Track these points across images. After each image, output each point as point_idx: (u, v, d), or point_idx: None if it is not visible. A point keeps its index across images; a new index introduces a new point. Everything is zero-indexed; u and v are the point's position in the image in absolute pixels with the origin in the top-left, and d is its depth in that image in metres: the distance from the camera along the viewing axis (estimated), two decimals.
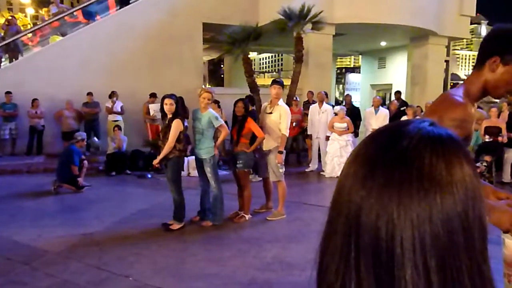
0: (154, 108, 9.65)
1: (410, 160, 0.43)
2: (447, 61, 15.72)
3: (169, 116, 4.85)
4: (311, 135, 8.75)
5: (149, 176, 8.29)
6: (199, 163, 5.17)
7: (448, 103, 1.53)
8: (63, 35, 11.74)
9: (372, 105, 8.90)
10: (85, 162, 7.40)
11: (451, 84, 19.54)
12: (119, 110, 10.14)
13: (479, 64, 1.55)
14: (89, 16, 12.10)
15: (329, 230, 0.50)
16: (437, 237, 0.41)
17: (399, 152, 0.44)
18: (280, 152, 5.24)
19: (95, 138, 9.77)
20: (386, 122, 8.12)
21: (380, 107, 8.74)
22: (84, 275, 3.57)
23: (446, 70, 15.86)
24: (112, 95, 10.08)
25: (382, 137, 0.48)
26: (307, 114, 9.18)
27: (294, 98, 9.70)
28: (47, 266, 3.77)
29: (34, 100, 9.80)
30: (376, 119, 8.37)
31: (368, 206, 0.44)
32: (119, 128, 9.07)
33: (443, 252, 0.41)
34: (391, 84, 16.37)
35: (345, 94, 13.91)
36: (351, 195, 0.46)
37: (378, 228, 0.42)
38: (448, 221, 0.42)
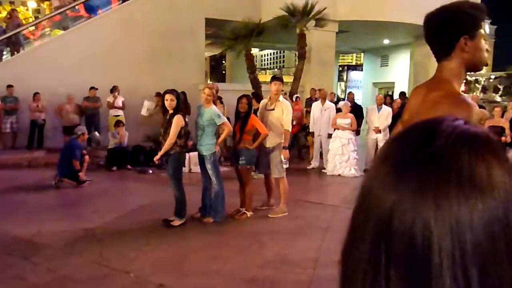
0: (147, 106, 9.42)
1: (447, 161, 0.40)
2: None
3: (170, 111, 4.82)
4: (313, 132, 8.71)
5: (150, 171, 8.27)
6: (201, 159, 5.14)
7: (454, 104, 1.49)
8: (64, 29, 11.70)
9: (376, 103, 8.84)
10: (86, 156, 7.37)
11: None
12: (121, 105, 10.11)
13: (445, 54, 1.55)
14: (91, 10, 12.04)
15: (354, 237, 0.45)
16: (478, 245, 0.38)
17: (434, 153, 0.40)
18: (285, 148, 5.21)
19: (96, 133, 9.74)
20: (389, 120, 8.07)
21: (383, 105, 8.70)
22: (85, 271, 3.55)
23: None
24: (114, 89, 10.04)
25: (412, 137, 0.44)
26: (308, 112, 9.15)
27: (295, 98, 9.65)
28: (47, 261, 3.75)
29: (35, 93, 9.77)
30: (378, 117, 8.32)
31: (401, 211, 0.40)
32: (123, 123, 9.04)
33: (484, 261, 0.38)
34: (393, 83, 16.33)
35: (348, 92, 13.86)
36: (381, 200, 0.42)
37: (413, 235, 0.39)
38: (489, 227, 0.38)
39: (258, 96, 7.49)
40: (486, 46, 1.56)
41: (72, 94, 9.81)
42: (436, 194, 0.39)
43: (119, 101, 10.10)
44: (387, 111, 8.37)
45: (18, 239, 4.29)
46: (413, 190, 0.40)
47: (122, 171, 8.37)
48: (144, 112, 9.26)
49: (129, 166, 8.61)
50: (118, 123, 8.98)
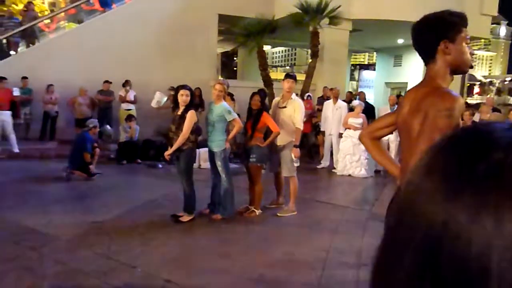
0: (157, 98, 9.41)
1: (508, 176, 0.34)
2: None
3: (182, 107, 4.80)
4: (324, 131, 8.64)
5: (160, 166, 8.29)
6: (211, 156, 5.12)
7: (437, 96, 1.64)
8: (79, 22, 11.78)
9: (389, 103, 8.74)
10: (97, 149, 7.41)
11: (468, 84, 19.18)
12: (132, 99, 10.14)
13: (430, 57, 1.72)
14: (105, 4, 12.09)
15: (391, 259, 0.40)
16: None
17: (493, 166, 0.35)
18: (296, 146, 5.17)
19: (108, 126, 9.79)
20: None
21: (396, 106, 8.58)
22: (92, 264, 3.55)
23: None
24: (126, 83, 10.08)
25: (463, 147, 0.39)
26: (320, 110, 9.07)
27: (306, 96, 9.57)
28: (55, 252, 3.77)
29: (49, 85, 9.85)
30: None
31: (454, 232, 0.35)
32: (134, 118, 9.07)
33: None
34: (406, 83, 16.13)
35: (359, 91, 13.73)
36: (429, 218, 0.37)
37: (467, 259, 0.34)
38: None
39: (264, 93, 7.42)
40: (467, 49, 1.71)
41: (85, 87, 9.88)
42: (497, 212, 0.34)
43: (131, 95, 10.14)
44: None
45: (28, 229, 4.32)
46: (469, 208, 0.35)
47: (132, 165, 8.41)
48: (154, 103, 9.30)
49: (139, 160, 8.64)
50: (129, 117, 9.01)
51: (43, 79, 9.79)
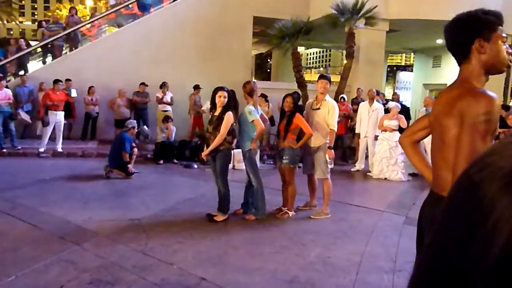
0: (207, 105, 9.77)
1: None
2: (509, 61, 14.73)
3: (220, 108, 4.87)
4: (359, 133, 8.50)
5: (195, 166, 8.44)
6: (243, 156, 5.18)
7: (471, 97, 1.58)
8: (119, 26, 12.20)
9: (424, 105, 8.51)
10: (135, 149, 7.64)
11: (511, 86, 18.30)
12: (169, 100, 10.39)
13: (464, 57, 1.67)
14: (144, 8, 12.47)
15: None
16: None
17: None
18: (331, 148, 5.13)
19: (145, 127, 10.08)
20: None
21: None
22: (131, 259, 3.68)
23: (508, 70, 14.88)
24: (163, 85, 10.35)
25: None
26: (355, 111, 8.94)
27: (340, 98, 9.46)
28: (96, 247, 3.92)
29: (90, 87, 10.27)
30: None
31: None
32: (171, 119, 9.30)
33: None
34: (445, 84, 15.58)
35: (393, 93, 13.43)
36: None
37: None
38: None
39: (298, 95, 7.37)
40: (504, 48, 1.64)
41: (124, 89, 10.22)
42: None
43: (168, 97, 10.39)
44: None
45: (70, 225, 4.53)
46: None
47: (168, 165, 8.61)
48: (204, 107, 9.71)
49: (175, 160, 8.84)
50: (166, 119, 9.23)
51: (85, 81, 10.24)
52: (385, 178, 7.76)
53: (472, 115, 1.53)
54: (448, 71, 15.68)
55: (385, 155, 7.79)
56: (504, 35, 1.63)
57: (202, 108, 10.22)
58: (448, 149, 1.65)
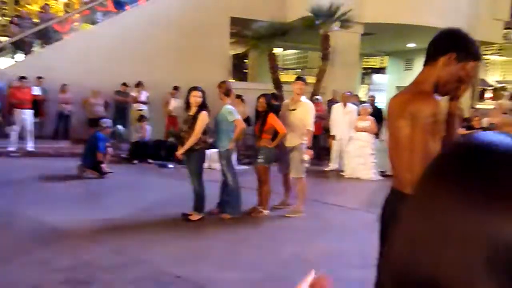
0: (174, 104, 9.95)
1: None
2: None
3: (195, 108, 4.90)
4: (334, 135, 8.64)
5: (170, 166, 8.41)
6: (219, 156, 5.23)
7: (419, 100, 1.68)
8: (93, 23, 12.00)
9: None
10: (110, 149, 7.56)
11: (480, 89, 19.05)
12: (144, 99, 10.31)
13: (432, 60, 1.73)
14: (119, 5, 12.31)
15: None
16: None
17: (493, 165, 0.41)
18: (309, 148, 5.24)
19: (120, 126, 9.98)
20: None
21: None
22: (106, 259, 3.67)
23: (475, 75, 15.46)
24: (139, 84, 10.26)
25: (466, 150, 0.43)
26: (330, 113, 9.11)
27: (315, 99, 9.62)
28: (70, 247, 3.89)
29: (63, 85, 10.06)
30: None
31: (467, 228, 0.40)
32: (146, 118, 9.23)
33: None
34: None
35: (369, 95, 13.73)
36: (444, 220, 0.41)
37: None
38: None
39: (275, 96, 7.46)
40: (466, 80, 1.69)
41: (99, 87, 10.07)
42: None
43: (143, 96, 10.31)
44: None
45: (43, 225, 4.45)
46: (480, 205, 0.39)
47: (143, 165, 8.55)
48: (171, 107, 9.92)
49: (150, 160, 8.78)
50: (141, 118, 9.17)
51: (58, 79, 10.01)
52: (357, 178, 7.96)
53: (421, 117, 1.65)
54: None
55: (356, 154, 8.01)
56: (471, 67, 1.69)
57: (169, 108, 10.23)
58: (402, 149, 1.76)
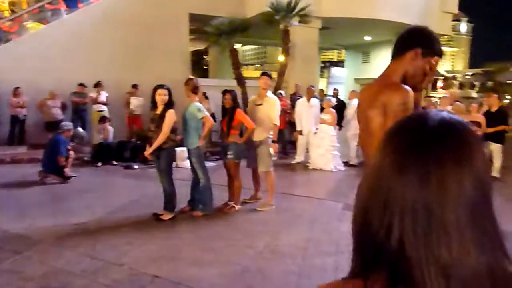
0: (135, 103, 9.82)
1: (441, 141, 0.56)
2: None
3: (161, 106, 4.86)
4: (301, 130, 8.78)
5: (136, 167, 8.27)
6: (189, 154, 5.22)
7: (390, 90, 1.77)
8: (43, 22, 11.49)
9: (349, 98, 9.34)
10: (71, 152, 7.33)
11: (433, 79, 19.95)
12: (104, 100, 10.04)
13: (399, 55, 1.83)
14: (70, 3, 11.87)
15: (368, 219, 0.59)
16: (471, 195, 0.53)
17: (428, 134, 0.58)
18: (274, 142, 5.34)
19: (80, 129, 9.67)
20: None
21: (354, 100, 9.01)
22: (79, 264, 3.59)
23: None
24: (98, 85, 9.98)
25: (408, 123, 0.62)
26: (294, 107, 9.29)
27: (278, 94, 9.76)
28: (40, 255, 3.77)
29: (16, 88, 9.60)
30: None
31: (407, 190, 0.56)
32: (108, 119, 9.00)
33: (474, 207, 0.53)
34: (374, 79, 16.62)
35: (333, 88, 14.10)
36: (391, 182, 0.57)
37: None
38: (475, 190, 0.54)
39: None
40: (430, 73, 1.83)
41: (56, 89, 9.70)
42: (437, 170, 0.53)
43: (103, 97, 10.04)
44: (353, 105, 8.72)
45: (9, 234, 4.29)
46: (417, 171, 0.54)
47: (108, 167, 8.35)
48: (132, 106, 9.63)
49: (114, 162, 8.59)
50: (103, 119, 8.94)
51: (10, 82, 9.53)
52: (320, 169, 8.19)
53: (393, 105, 1.75)
54: (377, 66, 16.74)
55: (318, 146, 8.24)
56: (434, 61, 1.84)
57: (130, 108, 10.06)
58: (374, 137, 1.88)
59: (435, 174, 0.53)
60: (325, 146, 8.19)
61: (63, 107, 9.94)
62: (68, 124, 7.54)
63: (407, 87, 1.78)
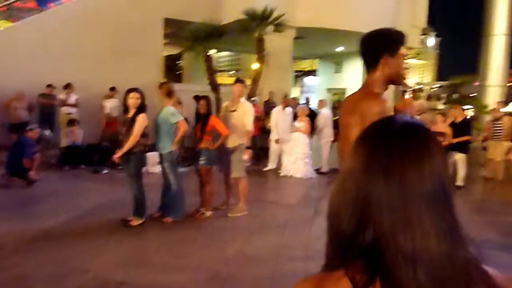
0: (109, 106, 9.70)
1: (405, 138, 0.65)
2: None
3: (133, 110, 4.79)
4: (278, 139, 8.79)
5: (105, 171, 8.08)
6: (161, 159, 5.15)
7: (369, 100, 1.87)
8: (12, 20, 11.13)
9: (318, 107, 9.47)
10: (37, 155, 7.09)
11: (401, 91, 20.54)
12: (74, 102, 9.79)
13: (372, 66, 1.93)
14: (41, 2, 11.57)
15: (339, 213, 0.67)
16: (431, 190, 0.60)
17: (394, 133, 0.66)
18: (248, 148, 5.35)
19: (46, 131, 9.35)
20: (329, 120, 8.86)
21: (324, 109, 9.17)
22: (43, 270, 3.47)
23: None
24: (68, 86, 9.72)
25: (376, 126, 0.71)
26: (267, 114, 9.35)
27: (252, 101, 9.82)
28: (3, 260, 3.62)
29: None
30: (319, 120, 8.95)
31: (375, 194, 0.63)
32: (77, 122, 8.78)
33: (433, 200, 0.60)
34: (345, 89, 16.99)
35: (306, 97, 14.32)
36: (360, 180, 0.65)
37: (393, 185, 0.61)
38: (433, 184, 0.60)
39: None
40: (404, 64, 1.96)
41: (24, 90, 9.36)
42: (399, 167, 0.60)
43: (72, 99, 9.78)
44: (326, 113, 8.99)
45: None
46: (382, 169, 0.61)
47: (76, 171, 8.12)
48: (107, 111, 9.42)
49: (82, 166, 8.36)
50: (72, 122, 8.71)
51: None
52: (291, 175, 8.26)
53: (369, 114, 1.83)
54: (348, 76, 17.13)
55: (291, 153, 8.33)
56: (404, 52, 1.93)
57: (106, 111, 9.89)
58: (351, 145, 1.93)
59: (398, 171, 0.59)
60: (297, 154, 8.28)
61: (30, 109, 9.61)
62: (33, 126, 7.30)
63: (384, 98, 1.88)
